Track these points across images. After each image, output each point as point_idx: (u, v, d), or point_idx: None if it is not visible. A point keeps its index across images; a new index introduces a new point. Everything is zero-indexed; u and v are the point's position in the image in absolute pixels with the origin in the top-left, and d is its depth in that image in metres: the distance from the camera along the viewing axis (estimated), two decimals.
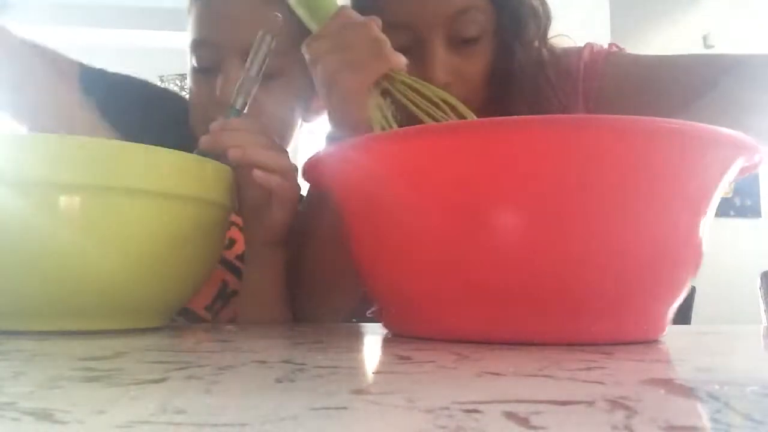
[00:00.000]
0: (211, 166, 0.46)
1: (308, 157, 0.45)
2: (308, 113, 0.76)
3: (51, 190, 0.39)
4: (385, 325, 0.45)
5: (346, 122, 0.56)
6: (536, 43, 0.68)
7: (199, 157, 0.46)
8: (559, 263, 0.35)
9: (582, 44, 0.70)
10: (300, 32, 0.62)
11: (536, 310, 0.35)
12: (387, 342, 0.41)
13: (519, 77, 0.66)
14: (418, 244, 0.38)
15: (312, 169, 0.45)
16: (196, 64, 0.68)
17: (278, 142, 0.62)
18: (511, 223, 0.35)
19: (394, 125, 0.54)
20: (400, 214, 0.38)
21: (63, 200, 0.39)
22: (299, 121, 0.76)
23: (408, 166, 0.37)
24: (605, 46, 0.70)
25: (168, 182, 0.42)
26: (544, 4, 0.69)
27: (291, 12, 0.61)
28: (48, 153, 0.39)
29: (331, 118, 0.59)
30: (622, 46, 0.71)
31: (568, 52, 0.70)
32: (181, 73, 3.24)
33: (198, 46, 0.68)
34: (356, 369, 0.27)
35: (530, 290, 0.35)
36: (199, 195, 0.44)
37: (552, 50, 0.69)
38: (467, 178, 0.35)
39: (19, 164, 0.38)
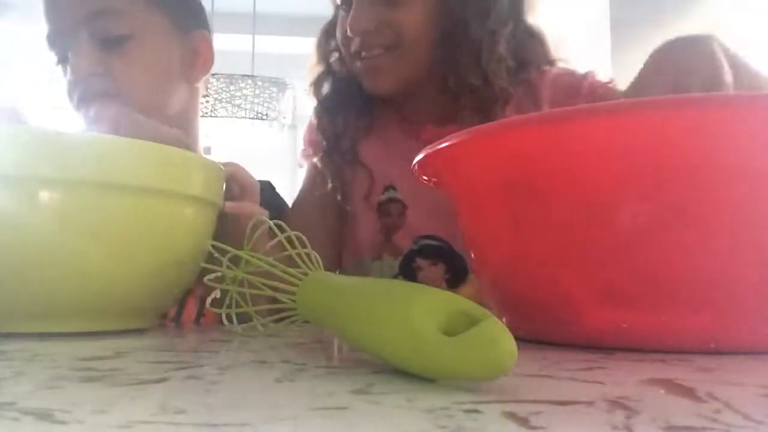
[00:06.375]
0: (200, 162, 0.46)
1: (425, 149, 0.41)
2: (190, 72, 0.73)
3: (47, 189, 0.38)
4: (511, 330, 0.43)
5: None
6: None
7: (189, 153, 0.45)
8: (710, 265, 0.32)
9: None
10: None
11: (686, 317, 0.33)
12: None
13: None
14: (565, 242, 0.35)
15: (432, 161, 0.42)
16: (56, 59, 0.69)
17: (154, 108, 0.63)
18: (656, 222, 0.33)
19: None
20: (549, 208, 0.35)
21: (59, 199, 0.39)
22: (181, 83, 0.73)
23: (567, 152, 0.34)
24: (605, 79, 0.75)
25: (161, 179, 0.42)
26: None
27: None
28: (44, 149, 0.38)
29: None
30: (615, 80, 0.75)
31: (571, 72, 0.75)
32: None
33: (49, 40, 0.68)
34: (356, 369, 0.27)
35: (676, 295, 0.33)
36: (193, 193, 0.44)
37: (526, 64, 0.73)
38: (622, 172, 0.33)
39: (15, 162, 0.38)
